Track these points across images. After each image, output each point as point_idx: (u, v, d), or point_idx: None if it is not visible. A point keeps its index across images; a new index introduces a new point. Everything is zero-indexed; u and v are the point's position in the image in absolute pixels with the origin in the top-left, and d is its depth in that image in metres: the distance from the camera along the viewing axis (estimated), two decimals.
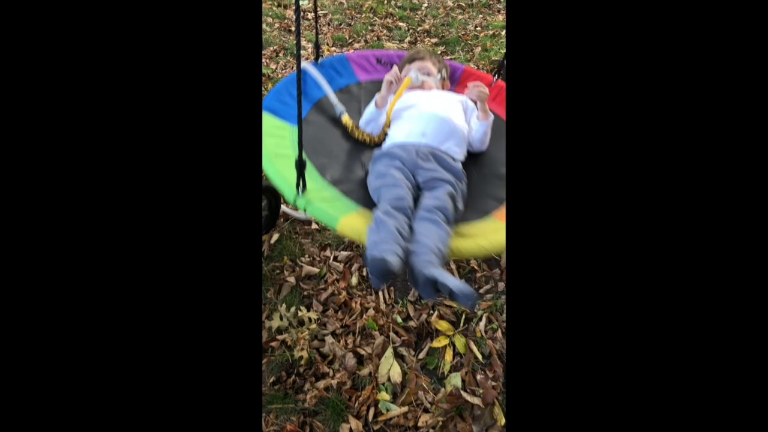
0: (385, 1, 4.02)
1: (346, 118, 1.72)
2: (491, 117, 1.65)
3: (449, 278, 1.04)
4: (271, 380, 1.40)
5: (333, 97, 1.77)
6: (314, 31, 1.84)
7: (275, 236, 1.82)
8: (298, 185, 1.23)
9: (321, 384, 1.39)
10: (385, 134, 1.68)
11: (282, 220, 1.89)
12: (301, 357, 1.45)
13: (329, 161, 1.55)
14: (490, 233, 1.31)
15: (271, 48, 3.19)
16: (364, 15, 3.77)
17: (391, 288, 1.68)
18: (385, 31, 3.54)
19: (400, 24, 3.66)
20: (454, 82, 2.01)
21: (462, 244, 1.23)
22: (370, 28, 3.57)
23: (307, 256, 1.77)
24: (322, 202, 1.28)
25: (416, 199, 1.37)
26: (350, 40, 3.38)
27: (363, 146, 1.68)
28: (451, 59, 2.92)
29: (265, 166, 1.34)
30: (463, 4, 4.07)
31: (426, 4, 4.04)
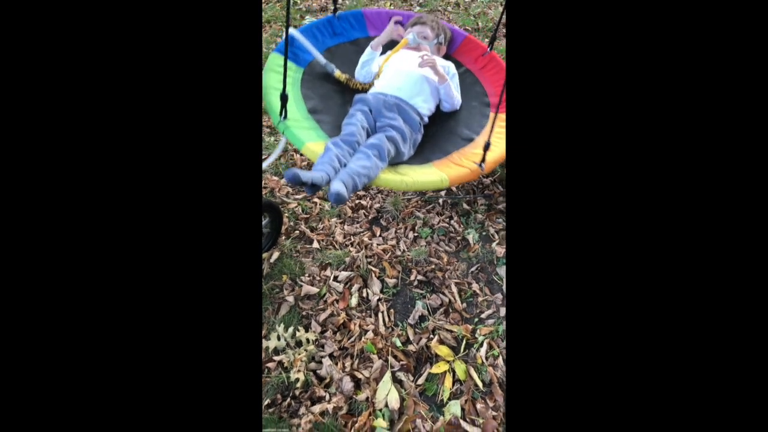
0: None
1: (338, 74, 1.96)
2: (446, 80, 1.87)
3: (334, 185, 1.34)
4: (266, 402, 1.37)
5: (320, 59, 1.98)
6: None
7: (275, 254, 1.81)
8: (280, 113, 1.59)
9: (317, 408, 1.35)
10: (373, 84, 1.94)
11: (283, 237, 1.88)
12: (297, 379, 1.42)
13: (319, 101, 1.84)
14: (418, 174, 1.58)
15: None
16: None
17: (392, 310, 1.66)
18: None
19: None
20: (453, 47, 2.19)
21: (391, 177, 1.53)
22: None
23: (307, 275, 1.75)
24: (299, 129, 1.61)
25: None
26: None
27: (352, 93, 1.93)
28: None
29: (264, 96, 1.65)
30: None
31: None
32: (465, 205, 2.09)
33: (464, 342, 1.56)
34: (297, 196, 2.11)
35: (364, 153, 1.52)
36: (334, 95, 1.93)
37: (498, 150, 1.69)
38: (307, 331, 1.56)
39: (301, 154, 2.38)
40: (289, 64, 1.88)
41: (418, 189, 1.58)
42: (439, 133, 1.90)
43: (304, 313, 1.62)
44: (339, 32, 2.14)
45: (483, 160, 1.64)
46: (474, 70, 2.15)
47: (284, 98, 1.57)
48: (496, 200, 2.10)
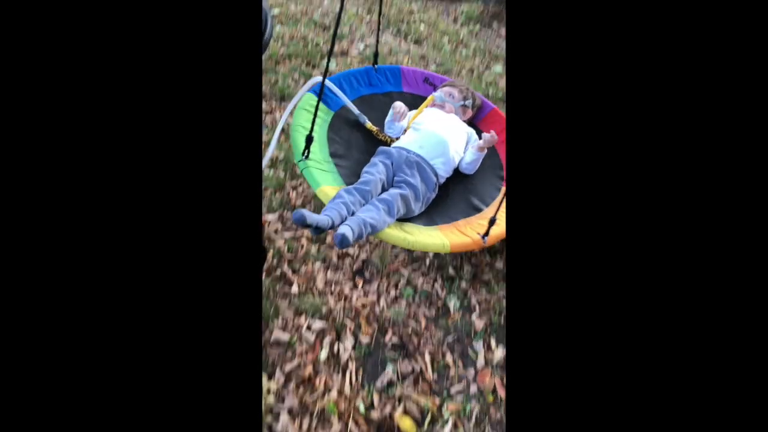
0: None
1: (369, 125, 2.09)
2: (485, 152, 2.01)
3: (341, 228, 1.41)
4: None
5: (353, 108, 2.07)
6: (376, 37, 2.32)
7: None
8: (303, 152, 1.69)
9: None
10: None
11: (264, 275, 1.84)
12: None
13: (342, 146, 1.94)
14: (422, 235, 1.61)
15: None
16: None
17: (360, 370, 1.60)
18: None
19: None
20: (480, 116, 2.32)
21: (395, 233, 1.56)
22: None
23: (280, 319, 1.70)
24: (317, 171, 1.68)
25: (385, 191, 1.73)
26: None
27: (375, 143, 2.03)
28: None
29: (292, 132, 1.77)
30: None
31: None
32: (451, 270, 2.07)
33: (429, 416, 1.50)
34: (286, 234, 2.08)
35: (374, 205, 1.58)
36: (358, 143, 2.02)
37: (503, 226, 1.68)
38: (270, 379, 1.50)
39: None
40: (321, 105, 1.95)
41: (420, 249, 1.59)
42: (450, 197, 1.94)
43: (270, 359, 1.56)
44: (374, 84, 2.29)
45: (487, 233, 1.63)
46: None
47: (309, 139, 1.67)
48: (482, 269, 2.09)
